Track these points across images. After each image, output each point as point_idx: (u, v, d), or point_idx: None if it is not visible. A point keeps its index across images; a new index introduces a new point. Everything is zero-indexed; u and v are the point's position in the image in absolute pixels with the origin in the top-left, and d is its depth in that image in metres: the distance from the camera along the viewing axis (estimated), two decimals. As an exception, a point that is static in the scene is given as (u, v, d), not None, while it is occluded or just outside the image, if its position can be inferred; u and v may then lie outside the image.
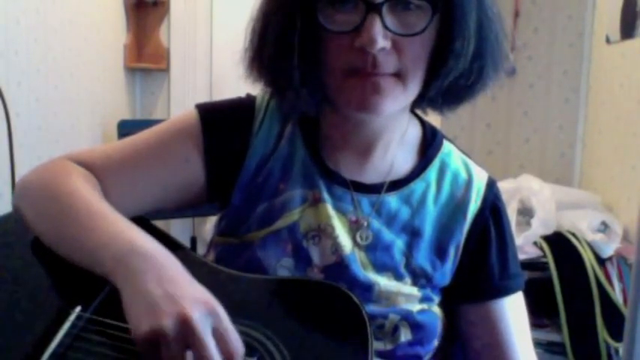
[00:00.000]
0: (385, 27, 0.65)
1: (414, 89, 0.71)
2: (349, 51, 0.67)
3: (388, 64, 0.67)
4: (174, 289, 0.59)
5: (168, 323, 0.56)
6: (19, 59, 1.95)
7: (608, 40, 2.40)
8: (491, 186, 0.81)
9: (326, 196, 0.77)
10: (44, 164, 0.78)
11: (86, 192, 0.71)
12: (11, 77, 1.90)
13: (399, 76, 0.68)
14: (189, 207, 0.82)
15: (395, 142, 0.79)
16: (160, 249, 0.65)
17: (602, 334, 1.90)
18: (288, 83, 0.71)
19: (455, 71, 0.69)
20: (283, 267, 0.74)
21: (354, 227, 0.76)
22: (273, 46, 0.70)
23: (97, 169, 0.77)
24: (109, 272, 0.64)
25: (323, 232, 0.75)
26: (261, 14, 0.72)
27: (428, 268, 0.76)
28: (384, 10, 0.65)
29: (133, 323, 0.58)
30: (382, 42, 0.65)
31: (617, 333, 1.87)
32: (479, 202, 0.79)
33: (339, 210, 0.77)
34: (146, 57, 2.88)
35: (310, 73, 0.70)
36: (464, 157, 0.84)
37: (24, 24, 1.97)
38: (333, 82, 0.70)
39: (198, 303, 0.58)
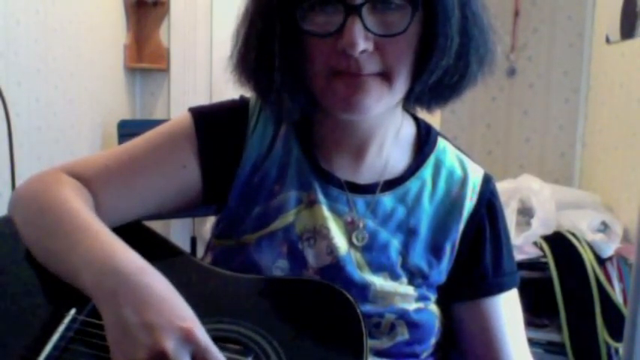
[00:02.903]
0: (366, 28, 0.64)
1: (400, 88, 0.70)
2: (331, 54, 0.66)
3: (371, 65, 0.66)
4: (150, 316, 0.58)
5: (143, 357, 0.56)
6: (19, 59, 1.95)
7: (608, 40, 2.40)
8: (487, 182, 0.81)
9: (321, 197, 0.76)
10: (38, 175, 0.78)
11: (74, 206, 0.70)
12: (11, 77, 1.90)
13: (384, 75, 0.68)
14: (186, 210, 0.82)
15: (389, 141, 0.79)
16: (140, 266, 0.63)
17: (602, 334, 1.90)
18: (269, 88, 0.70)
19: (439, 68, 0.68)
20: (278, 268, 0.74)
21: (349, 228, 0.76)
22: (254, 50, 0.70)
23: (92, 180, 0.76)
24: (90, 294, 0.63)
25: (318, 233, 0.75)
26: (244, 18, 0.72)
27: (424, 267, 0.76)
28: (364, 11, 0.64)
29: (112, 351, 0.59)
30: (363, 44, 0.64)
31: (617, 333, 1.87)
32: (474, 199, 0.79)
33: (335, 211, 0.76)
34: (146, 57, 2.88)
35: (291, 77, 0.69)
36: (459, 153, 0.84)
37: (24, 24, 1.97)
38: (317, 85, 0.69)
39: (173, 331, 0.57)
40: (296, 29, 0.66)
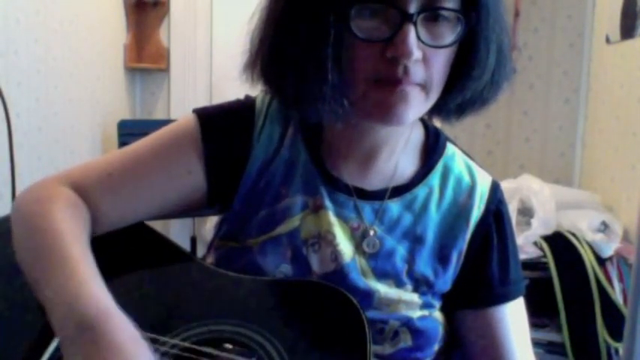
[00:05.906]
0: (418, 37, 0.63)
1: (433, 100, 0.69)
2: (378, 60, 0.64)
3: (417, 74, 0.65)
4: None
5: None
6: (19, 59, 1.95)
7: (608, 40, 2.40)
8: (494, 190, 0.80)
9: (327, 203, 0.75)
10: (37, 186, 0.75)
11: (59, 233, 0.67)
12: (11, 77, 1.90)
13: (424, 86, 0.67)
14: (189, 212, 0.81)
15: (399, 148, 0.78)
16: (104, 310, 0.60)
17: (602, 334, 1.90)
18: (319, 95, 0.66)
19: (478, 83, 0.69)
20: (282, 273, 0.73)
21: (357, 235, 0.75)
22: (300, 55, 0.66)
23: (95, 189, 0.75)
24: (56, 333, 0.61)
25: (323, 239, 0.74)
26: (274, 20, 0.68)
27: (430, 275, 0.75)
28: (418, 21, 0.63)
29: None
30: (417, 53, 0.63)
31: (617, 333, 1.87)
32: (482, 208, 0.78)
33: (341, 217, 0.75)
34: (146, 57, 2.88)
35: (339, 83, 0.66)
36: (467, 160, 0.83)
37: (24, 24, 1.97)
38: (357, 91, 0.67)
39: None
40: (343, 34, 0.64)
